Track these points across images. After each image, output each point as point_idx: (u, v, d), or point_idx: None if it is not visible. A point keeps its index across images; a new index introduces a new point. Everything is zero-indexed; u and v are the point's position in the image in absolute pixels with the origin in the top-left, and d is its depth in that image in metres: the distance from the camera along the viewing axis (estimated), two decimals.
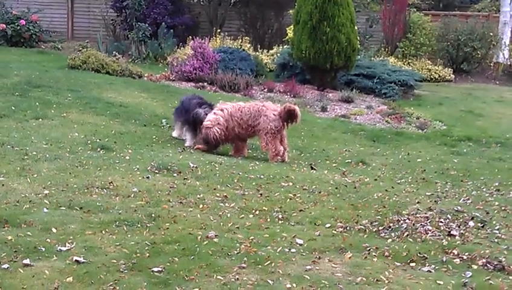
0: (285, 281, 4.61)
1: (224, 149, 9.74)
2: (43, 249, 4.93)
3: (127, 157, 8.27)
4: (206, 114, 9.52)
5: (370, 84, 16.46)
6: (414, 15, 20.98)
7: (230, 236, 5.54)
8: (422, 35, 20.31)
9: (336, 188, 7.60)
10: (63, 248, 4.97)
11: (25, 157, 7.73)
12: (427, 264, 5.06)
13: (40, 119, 10.01)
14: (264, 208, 6.51)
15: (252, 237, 5.49)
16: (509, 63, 21.22)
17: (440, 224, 6.14)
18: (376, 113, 14.12)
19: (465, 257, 5.21)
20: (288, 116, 9.31)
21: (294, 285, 4.54)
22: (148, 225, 5.71)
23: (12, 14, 19.88)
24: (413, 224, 6.09)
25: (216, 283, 4.53)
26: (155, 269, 4.65)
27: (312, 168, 8.87)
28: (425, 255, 5.22)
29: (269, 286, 4.53)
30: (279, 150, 9.24)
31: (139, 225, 5.68)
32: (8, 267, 4.55)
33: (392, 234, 5.85)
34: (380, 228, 6.01)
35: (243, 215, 6.24)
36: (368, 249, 5.36)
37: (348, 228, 6.00)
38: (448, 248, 5.43)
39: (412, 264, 5.07)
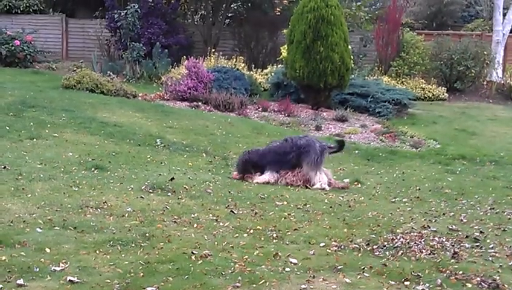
0: None
1: (217, 169, 9.75)
2: (37, 269, 4.90)
3: (121, 177, 8.27)
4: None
5: (364, 103, 16.51)
6: (407, 34, 21.09)
7: (225, 255, 5.52)
8: (415, 55, 20.41)
9: (331, 207, 7.60)
10: (57, 268, 4.95)
11: (19, 177, 7.72)
12: (421, 283, 5.05)
13: (35, 139, 10.01)
14: (258, 227, 6.49)
15: (246, 256, 5.48)
16: (502, 81, 21.33)
17: (434, 243, 6.14)
18: (370, 132, 14.16)
19: (459, 276, 5.21)
20: None
21: None
22: (142, 244, 5.69)
23: (7, 34, 19.95)
24: (408, 243, 6.08)
25: None
26: (149, 289, 4.63)
27: (306, 187, 8.87)
28: (420, 274, 5.21)
29: None
30: None
31: (133, 245, 5.66)
32: (1, 288, 4.53)
33: (387, 252, 5.84)
34: (375, 246, 6.01)
35: (237, 235, 6.22)
36: (362, 267, 5.35)
37: (342, 246, 5.99)
38: (443, 266, 5.42)
39: (406, 283, 5.05)
